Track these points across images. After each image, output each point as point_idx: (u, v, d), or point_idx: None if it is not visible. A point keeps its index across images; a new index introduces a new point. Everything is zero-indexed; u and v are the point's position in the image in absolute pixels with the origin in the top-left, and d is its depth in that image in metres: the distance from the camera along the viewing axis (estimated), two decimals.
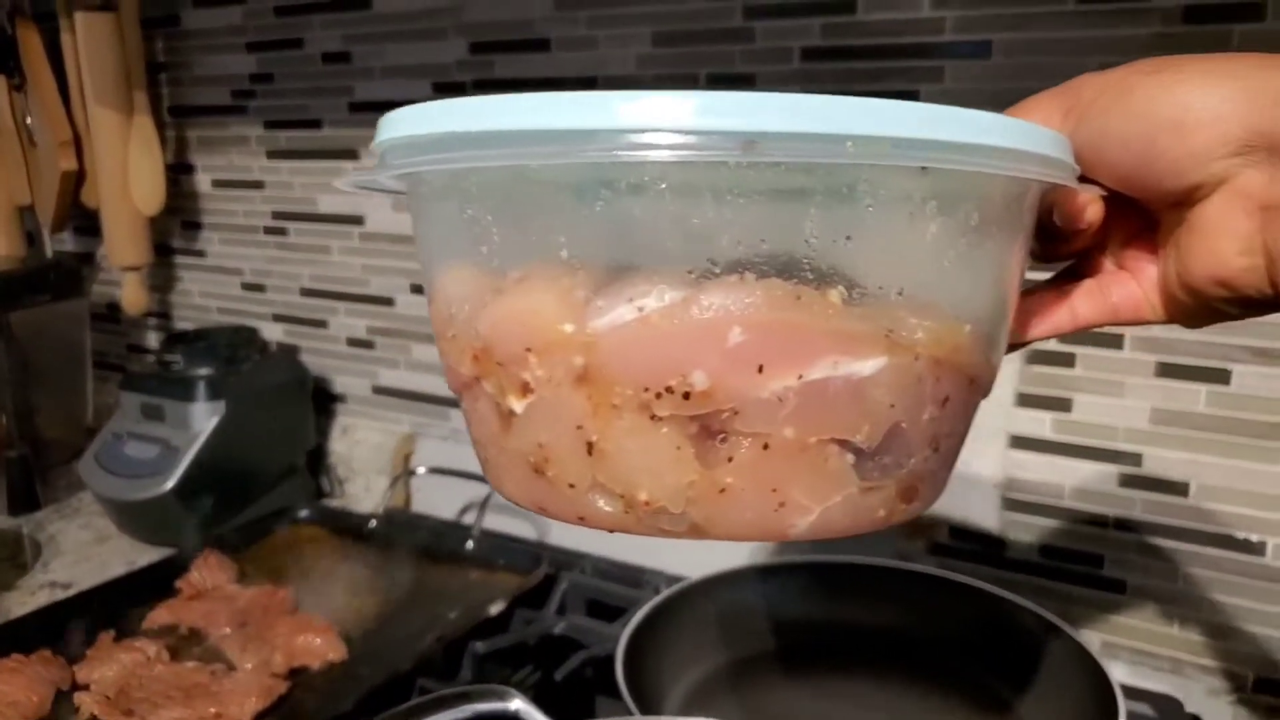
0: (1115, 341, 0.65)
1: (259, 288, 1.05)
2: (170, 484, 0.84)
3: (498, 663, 0.67)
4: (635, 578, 0.76)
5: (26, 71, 1.04)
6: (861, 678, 0.60)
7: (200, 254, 1.09)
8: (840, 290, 0.27)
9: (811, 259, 0.26)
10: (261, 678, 0.61)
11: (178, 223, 1.09)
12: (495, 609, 0.68)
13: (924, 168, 0.26)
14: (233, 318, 1.08)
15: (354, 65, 0.91)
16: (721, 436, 0.27)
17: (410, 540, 0.82)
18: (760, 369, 0.26)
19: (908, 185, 0.27)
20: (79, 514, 0.95)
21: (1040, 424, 0.69)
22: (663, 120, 0.24)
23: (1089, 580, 0.69)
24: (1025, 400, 0.69)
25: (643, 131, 0.24)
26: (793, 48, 0.71)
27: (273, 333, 1.04)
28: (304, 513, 0.88)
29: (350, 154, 0.94)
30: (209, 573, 0.74)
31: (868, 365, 0.27)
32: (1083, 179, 0.31)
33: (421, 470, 0.90)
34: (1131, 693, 0.59)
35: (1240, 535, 0.64)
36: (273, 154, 1.00)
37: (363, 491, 0.98)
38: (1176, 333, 0.63)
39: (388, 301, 0.96)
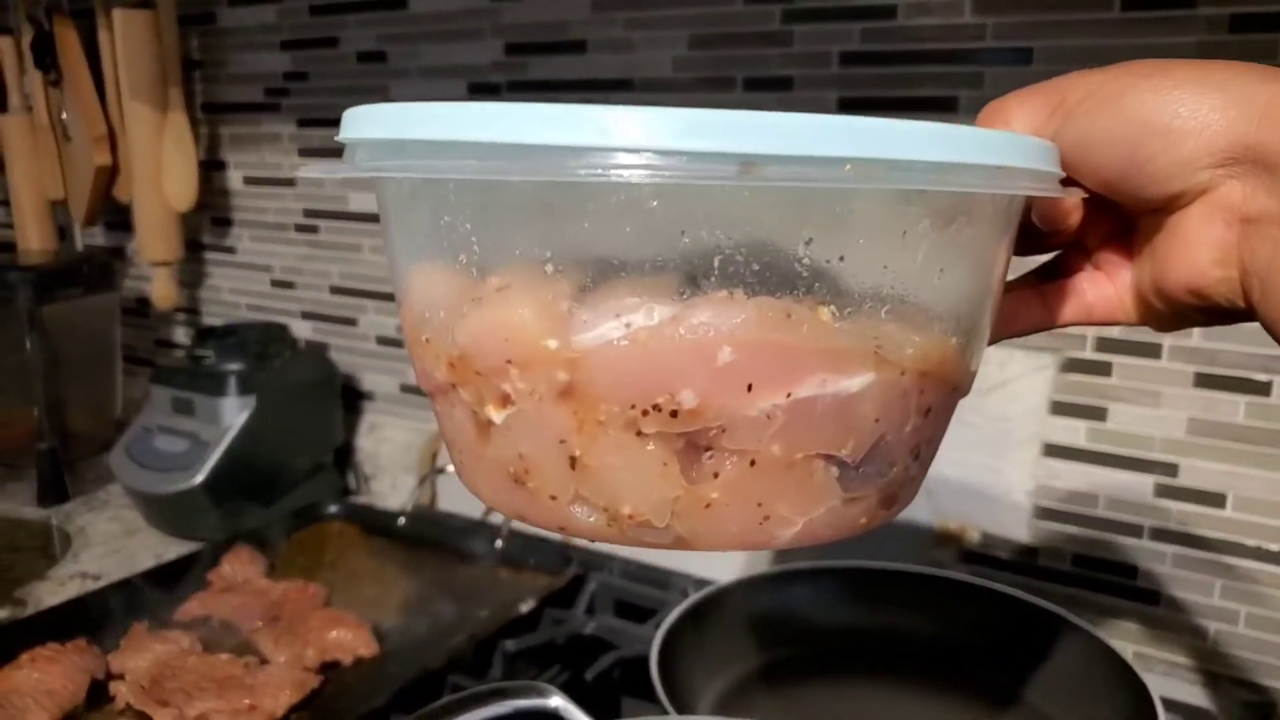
0: (1153, 351, 0.65)
1: (288, 285, 1.06)
2: (199, 478, 0.85)
3: (526, 662, 0.67)
4: (663, 579, 0.76)
5: (63, 67, 1.05)
6: (894, 683, 0.60)
7: (230, 250, 1.10)
8: (831, 309, 0.26)
9: (803, 277, 0.26)
10: (294, 671, 0.61)
11: (208, 219, 1.10)
12: (525, 607, 0.68)
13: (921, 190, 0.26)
14: (261, 314, 1.08)
15: (389, 65, 0.92)
16: (708, 452, 0.27)
17: (439, 538, 0.82)
18: (749, 388, 0.26)
19: (903, 205, 0.27)
20: (107, 506, 0.96)
21: (1075, 432, 0.69)
22: (656, 139, 0.23)
23: (1121, 590, 0.69)
24: (1060, 408, 0.69)
25: (636, 151, 0.23)
26: (831, 52, 0.71)
27: (301, 330, 1.05)
28: (333, 508, 0.88)
29: None
30: (240, 566, 0.74)
31: (855, 382, 0.27)
32: (1064, 181, 0.31)
33: (451, 469, 0.90)
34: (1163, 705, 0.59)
35: (1277, 548, 0.63)
36: (305, 152, 1.01)
37: (389, 489, 0.99)
38: (1216, 343, 0.63)
39: None
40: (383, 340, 1.00)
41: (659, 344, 0.26)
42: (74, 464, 0.99)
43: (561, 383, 0.26)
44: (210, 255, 1.12)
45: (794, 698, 0.59)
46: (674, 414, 0.26)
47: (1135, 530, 0.68)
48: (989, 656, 0.61)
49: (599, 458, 0.27)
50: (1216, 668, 0.66)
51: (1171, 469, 0.66)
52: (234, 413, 0.88)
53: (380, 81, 0.93)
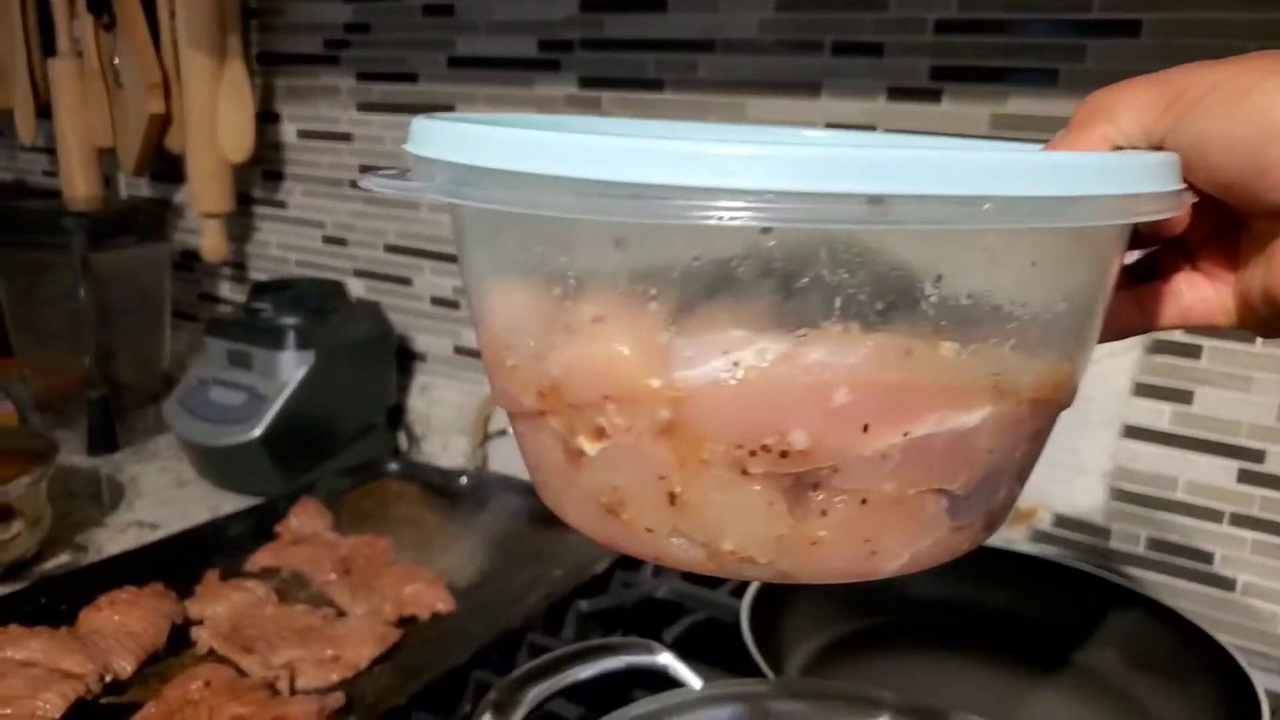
0: (1246, 335, 0.64)
1: (340, 241, 1.05)
2: (258, 431, 0.84)
3: (597, 623, 0.66)
4: None
5: (117, 11, 1.03)
6: (984, 659, 0.60)
7: (281, 205, 1.09)
8: (953, 344, 0.25)
9: (929, 315, 0.25)
10: (375, 625, 0.60)
11: (259, 172, 1.09)
12: (600, 567, 0.67)
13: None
14: (311, 270, 1.07)
15: (457, 19, 0.90)
16: (817, 491, 0.26)
17: (501, 498, 0.82)
18: (865, 428, 0.25)
19: (1038, 238, 0.26)
20: (156, 457, 0.95)
21: (1159, 415, 0.68)
22: (781, 180, 0.21)
23: (1196, 575, 0.68)
24: (1143, 390, 0.68)
25: (759, 194, 0.21)
26: (927, 19, 0.70)
27: (354, 288, 1.03)
28: (393, 466, 0.88)
29: (448, 109, 0.93)
30: (308, 519, 0.74)
31: (974, 417, 0.26)
32: None
33: (510, 431, 0.89)
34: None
35: None
36: (364, 106, 0.99)
37: (439, 450, 0.98)
38: None
39: None
40: (437, 301, 0.99)
41: (770, 384, 0.24)
42: (123, 414, 0.98)
43: (663, 420, 0.25)
44: (260, 210, 1.11)
45: (880, 664, 0.59)
46: (784, 454, 0.25)
47: (1215, 515, 0.67)
48: (1079, 638, 0.60)
49: (701, 495, 0.26)
50: None
51: (1258, 455, 0.65)
52: (292, 367, 0.87)
53: (447, 36, 0.91)
